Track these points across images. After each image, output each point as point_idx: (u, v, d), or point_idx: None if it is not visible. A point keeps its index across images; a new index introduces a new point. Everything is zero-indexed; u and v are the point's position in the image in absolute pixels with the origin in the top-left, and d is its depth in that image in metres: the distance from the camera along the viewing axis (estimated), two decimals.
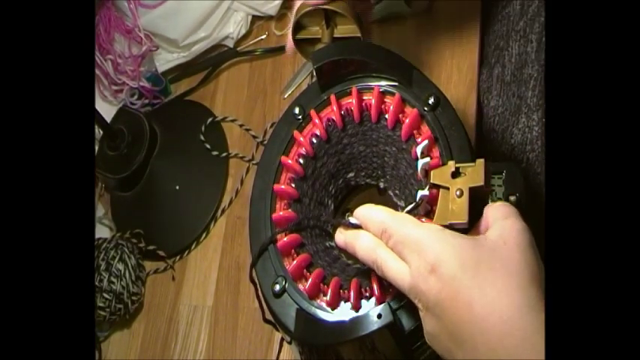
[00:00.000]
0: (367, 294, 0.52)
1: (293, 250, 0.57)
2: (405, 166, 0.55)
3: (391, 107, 0.56)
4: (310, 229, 0.59)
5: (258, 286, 0.58)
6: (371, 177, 0.63)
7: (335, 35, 0.71)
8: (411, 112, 0.56)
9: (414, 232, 0.46)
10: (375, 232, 0.49)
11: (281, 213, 0.59)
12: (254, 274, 0.58)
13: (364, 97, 0.60)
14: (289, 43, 0.72)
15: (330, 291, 0.53)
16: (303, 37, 0.71)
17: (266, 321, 0.58)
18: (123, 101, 0.96)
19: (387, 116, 0.57)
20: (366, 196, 0.65)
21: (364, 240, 0.50)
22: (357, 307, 0.52)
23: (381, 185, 0.62)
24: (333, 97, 0.60)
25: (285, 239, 0.57)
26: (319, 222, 0.59)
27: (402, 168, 0.56)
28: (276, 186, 0.60)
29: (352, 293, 0.52)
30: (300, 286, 0.55)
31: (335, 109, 0.59)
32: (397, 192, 0.60)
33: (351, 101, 0.60)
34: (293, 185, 0.60)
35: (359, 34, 0.70)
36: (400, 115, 0.56)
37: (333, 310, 0.53)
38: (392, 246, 0.47)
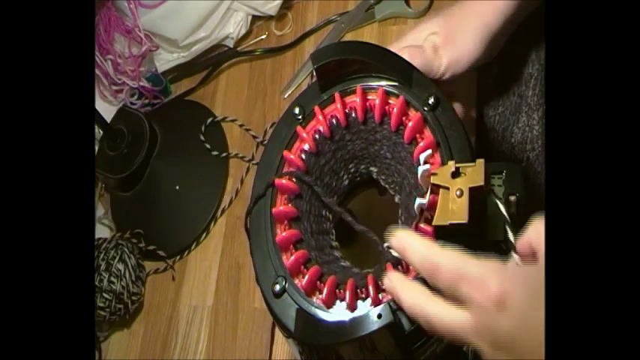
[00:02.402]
0: (384, 286, 0.52)
1: (302, 267, 0.56)
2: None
3: (422, 143, 0.56)
4: (309, 199, 0.59)
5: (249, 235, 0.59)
6: (390, 185, 0.62)
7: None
8: (440, 165, 0.54)
9: (468, 268, 0.43)
10: (417, 265, 0.46)
11: (292, 156, 0.60)
12: (249, 224, 0.59)
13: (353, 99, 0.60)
14: None
15: (347, 292, 0.53)
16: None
17: (258, 282, 0.57)
18: (123, 101, 0.96)
19: (421, 144, 0.56)
20: (367, 195, 0.65)
21: (411, 294, 0.47)
22: (376, 303, 0.52)
23: (397, 200, 0.61)
24: (382, 91, 0.59)
25: (293, 255, 0.57)
26: (340, 213, 0.58)
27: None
28: (299, 128, 0.60)
29: (371, 289, 0.52)
30: (315, 299, 0.55)
31: (378, 102, 0.59)
32: (406, 215, 0.59)
33: (394, 103, 0.59)
34: (317, 137, 0.60)
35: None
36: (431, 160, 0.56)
37: (352, 312, 0.53)
38: (442, 283, 0.44)
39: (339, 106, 0.60)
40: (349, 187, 0.63)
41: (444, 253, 0.45)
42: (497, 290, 0.41)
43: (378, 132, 0.60)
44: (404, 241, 0.48)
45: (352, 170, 0.63)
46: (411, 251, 0.47)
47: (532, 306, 0.40)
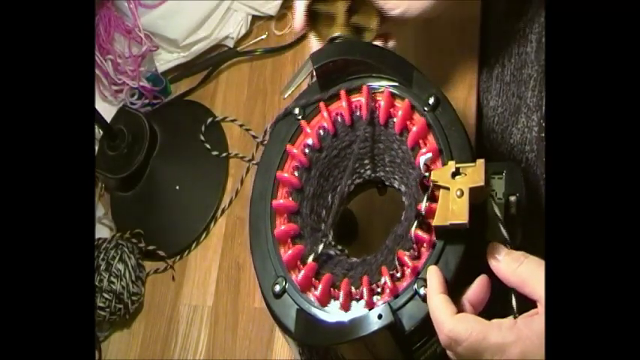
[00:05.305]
0: (379, 289, 0.52)
1: (299, 262, 0.56)
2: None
3: (424, 149, 0.55)
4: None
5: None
6: (407, 203, 0.60)
7: (352, 22, 0.65)
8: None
9: (488, 335, 0.45)
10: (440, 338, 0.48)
11: (308, 130, 0.60)
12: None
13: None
14: (299, 15, 0.65)
15: (341, 293, 0.53)
16: (318, 8, 0.64)
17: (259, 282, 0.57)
18: (123, 101, 0.96)
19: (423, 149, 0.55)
20: (367, 195, 0.65)
21: None
22: (369, 306, 0.52)
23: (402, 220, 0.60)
24: (388, 93, 0.58)
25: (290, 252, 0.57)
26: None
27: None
28: (303, 122, 0.61)
29: (365, 292, 0.52)
30: (310, 296, 0.55)
31: (384, 104, 0.58)
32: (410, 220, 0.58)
33: (399, 106, 0.58)
34: (338, 119, 0.60)
35: (375, 26, 0.65)
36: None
37: (346, 312, 0.53)
38: (463, 351, 0.46)
39: (344, 103, 0.60)
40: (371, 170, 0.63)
41: (461, 324, 0.46)
42: (518, 352, 0.43)
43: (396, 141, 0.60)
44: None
45: (378, 162, 0.61)
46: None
47: None
